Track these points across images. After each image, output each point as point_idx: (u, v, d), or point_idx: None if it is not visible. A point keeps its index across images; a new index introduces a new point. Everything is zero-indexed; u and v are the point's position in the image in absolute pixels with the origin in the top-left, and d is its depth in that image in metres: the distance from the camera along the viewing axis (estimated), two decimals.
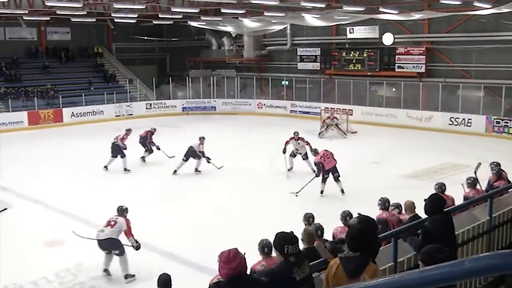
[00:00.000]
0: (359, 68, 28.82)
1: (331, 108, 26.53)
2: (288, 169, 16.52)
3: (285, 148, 16.44)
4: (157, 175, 16.90)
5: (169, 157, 18.29)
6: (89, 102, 30.05)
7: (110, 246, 9.31)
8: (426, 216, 5.61)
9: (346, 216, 7.87)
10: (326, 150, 14.24)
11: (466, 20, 24.85)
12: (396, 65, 27.43)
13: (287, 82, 32.32)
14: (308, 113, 29.65)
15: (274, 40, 33.97)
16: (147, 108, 31.88)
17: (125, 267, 9.35)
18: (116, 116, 30.34)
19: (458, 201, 8.67)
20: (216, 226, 11.86)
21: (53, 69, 33.11)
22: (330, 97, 29.68)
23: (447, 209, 5.84)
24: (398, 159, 18.65)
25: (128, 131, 17.94)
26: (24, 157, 20.10)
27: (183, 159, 16.81)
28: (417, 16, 23.85)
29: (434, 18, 25.15)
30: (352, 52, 29.07)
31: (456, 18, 24.57)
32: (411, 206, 7.53)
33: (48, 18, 28.50)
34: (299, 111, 30.32)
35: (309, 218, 7.98)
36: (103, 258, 9.48)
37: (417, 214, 7.25)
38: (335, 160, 13.96)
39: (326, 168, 13.79)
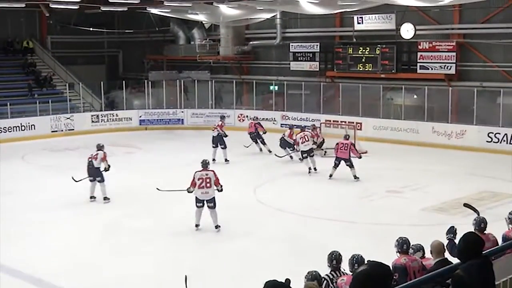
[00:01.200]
0: (370, 69, 28.95)
1: (329, 121, 26.57)
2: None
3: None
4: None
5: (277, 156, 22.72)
6: (16, 113, 29.85)
7: (212, 202, 14.48)
8: (458, 261, 5.58)
9: (355, 262, 7.82)
10: (342, 143, 19.67)
11: (509, 6, 25.17)
12: (418, 65, 27.57)
13: (276, 88, 32.37)
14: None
15: (259, 32, 34.08)
16: (93, 121, 31.75)
17: (216, 219, 14.57)
18: (52, 131, 30.16)
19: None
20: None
21: None
22: (332, 106, 29.78)
23: (486, 252, 5.81)
24: (421, 187, 18.69)
25: (224, 118, 25.33)
26: None
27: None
28: (445, 1, 24.07)
29: (467, 4, 25.37)
30: (361, 48, 29.22)
31: (496, 4, 24.84)
32: (438, 248, 7.51)
33: None
34: (292, 125, 30.33)
35: (333, 260, 7.95)
36: (195, 215, 14.52)
37: (446, 259, 7.22)
38: (348, 154, 19.31)
39: (336, 156, 19.66)
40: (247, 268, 12.04)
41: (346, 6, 26.37)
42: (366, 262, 4.82)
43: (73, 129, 30.79)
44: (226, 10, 28.93)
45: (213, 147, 23.22)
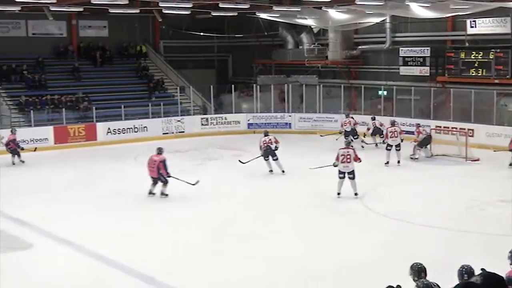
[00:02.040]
0: (483, 74, 28.30)
1: (440, 127, 26.12)
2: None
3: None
4: None
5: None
6: (130, 115, 30.96)
7: (352, 174, 17.75)
8: None
9: (464, 272, 7.66)
10: None
11: None
12: None
13: (385, 92, 32.08)
14: (413, 133, 29.21)
15: (368, 37, 33.96)
16: (202, 124, 32.50)
17: (355, 188, 17.84)
18: (164, 133, 31.04)
19: None
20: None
21: (85, 73, 34.46)
22: (443, 112, 29.24)
23: None
24: None
25: (348, 115, 28.06)
26: (48, 184, 20.83)
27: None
28: None
29: None
30: (473, 52, 28.59)
31: None
32: None
33: (80, 9, 29.65)
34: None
35: (420, 272, 7.83)
36: (337, 185, 17.82)
37: None
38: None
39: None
40: (354, 274, 11.99)
41: (458, 9, 25.90)
42: (479, 272, 4.78)
43: (183, 132, 31.62)
44: (335, 14, 28.95)
45: (345, 137, 24.89)
